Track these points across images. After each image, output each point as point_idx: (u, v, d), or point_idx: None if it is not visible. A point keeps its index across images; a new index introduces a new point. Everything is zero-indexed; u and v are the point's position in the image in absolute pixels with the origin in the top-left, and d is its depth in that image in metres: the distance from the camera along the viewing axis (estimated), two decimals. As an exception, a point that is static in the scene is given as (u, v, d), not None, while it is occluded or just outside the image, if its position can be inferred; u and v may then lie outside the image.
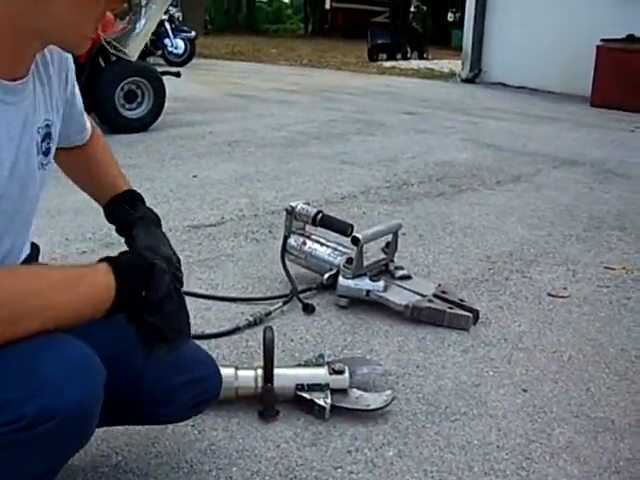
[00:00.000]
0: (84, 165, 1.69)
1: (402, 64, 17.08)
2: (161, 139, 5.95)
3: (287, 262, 2.99)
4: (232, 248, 3.45)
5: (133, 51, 1.28)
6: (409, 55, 19.36)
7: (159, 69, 6.67)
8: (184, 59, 13.95)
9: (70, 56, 1.44)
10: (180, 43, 13.94)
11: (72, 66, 1.48)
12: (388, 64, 16.98)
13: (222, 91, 9.99)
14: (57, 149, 1.52)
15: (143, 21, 1.26)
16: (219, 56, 17.84)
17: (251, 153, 5.65)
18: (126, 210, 1.59)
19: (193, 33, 14.51)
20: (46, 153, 1.38)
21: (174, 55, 13.87)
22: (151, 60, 7.60)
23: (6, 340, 1.08)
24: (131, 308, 1.24)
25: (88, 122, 1.66)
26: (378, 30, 20.30)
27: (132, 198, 1.64)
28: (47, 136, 1.37)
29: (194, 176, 4.72)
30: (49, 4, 1.13)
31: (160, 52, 13.46)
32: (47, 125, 1.36)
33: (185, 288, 2.63)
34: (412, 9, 37.76)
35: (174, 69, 7.63)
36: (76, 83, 1.53)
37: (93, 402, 1.14)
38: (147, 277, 1.25)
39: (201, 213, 3.97)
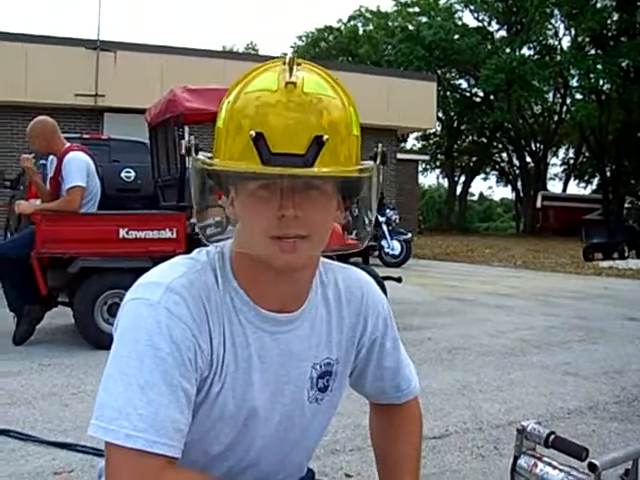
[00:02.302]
0: (384, 429, 1.63)
1: (619, 264, 16.61)
2: (381, 343, 6.09)
3: (517, 484, 2.92)
4: (457, 463, 3.43)
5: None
6: (626, 254, 18.81)
7: (378, 271, 6.97)
8: (400, 260, 14.40)
9: (381, 303, 1.52)
10: (396, 245, 14.47)
11: (384, 315, 1.52)
12: (605, 264, 16.58)
13: (438, 294, 10.22)
14: (375, 404, 1.62)
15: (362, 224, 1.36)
16: (433, 257, 18.29)
17: (471, 361, 5.67)
18: None
19: (409, 235, 15.06)
20: (323, 389, 1.43)
21: (390, 256, 14.38)
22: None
23: None
24: None
25: (408, 387, 1.59)
26: (593, 229, 20.09)
27: None
28: (327, 373, 1.43)
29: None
30: (240, 219, 1.28)
31: (377, 253, 14.04)
32: (328, 363, 1.43)
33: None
34: (626, 205, 37.18)
35: (395, 274, 7.91)
36: (395, 341, 1.56)
37: None
38: None
39: (425, 424, 3.95)
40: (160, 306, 1.22)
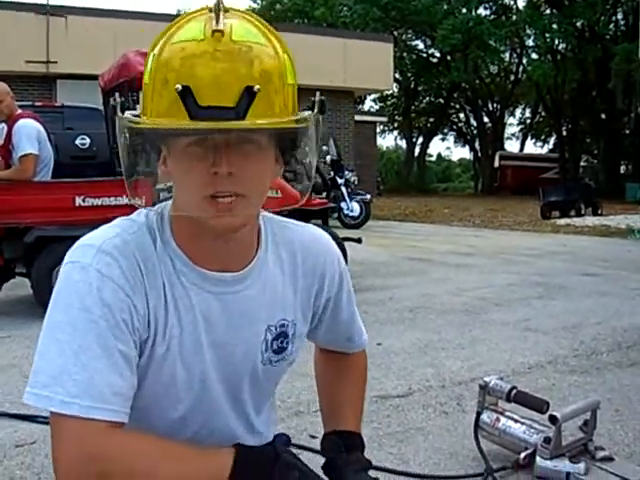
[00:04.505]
0: (330, 372, 1.64)
1: (576, 221, 16.86)
2: (344, 305, 6.10)
3: (480, 438, 2.96)
4: (421, 421, 3.47)
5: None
6: (583, 211, 19.07)
7: (339, 234, 6.97)
8: (359, 221, 14.45)
9: (337, 260, 1.48)
10: (356, 206, 14.51)
11: (339, 272, 1.49)
12: (562, 222, 16.80)
13: (399, 254, 10.26)
14: (322, 348, 1.62)
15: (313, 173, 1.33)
16: (392, 217, 18.37)
17: (432, 320, 5.72)
18: (338, 448, 1.48)
19: (368, 196, 15.11)
20: (278, 351, 1.41)
21: (350, 218, 14.42)
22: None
23: None
24: None
25: (360, 338, 1.61)
26: (550, 187, 20.30)
27: (351, 441, 1.50)
28: (282, 335, 1.41)
29: (378, 344, 4.81)
30: (174, 178, 1.23)
31: (336, 215, 14.05)
32: (282, 325, 1.40)
33: (376, 463, 2.70)
34: (582, 163, 37.61)
35: (355, 235, 7.92)
36: (350, 295, 1.54)
37: None
38: (270, 467, 1.19)
39: (388, 383, 4.03)
40: (91, 268, 1.20)
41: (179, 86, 1.10)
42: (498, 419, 2.95)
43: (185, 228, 1.28)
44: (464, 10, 35.88)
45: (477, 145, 45.97)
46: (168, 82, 1.13)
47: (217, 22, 1.12)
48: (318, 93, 1.22)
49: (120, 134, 1.19)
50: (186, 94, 1.10)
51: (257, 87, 1.12)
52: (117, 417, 1.16)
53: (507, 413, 2.97)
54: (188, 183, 1.19)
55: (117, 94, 1.20)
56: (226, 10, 1.16)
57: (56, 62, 15.71)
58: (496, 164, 39.01)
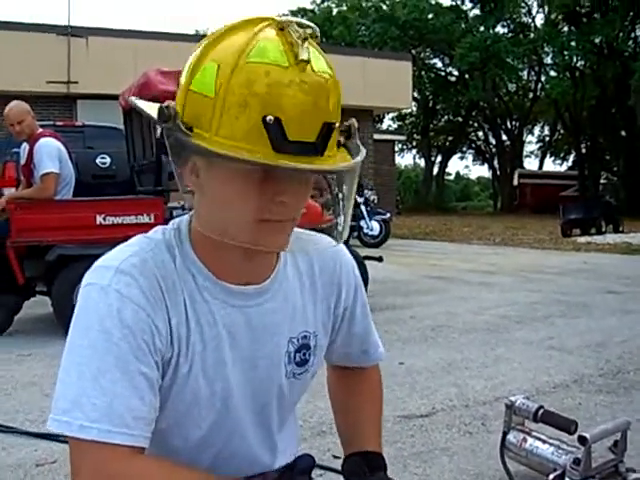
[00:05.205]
0: (345, 390, 1.60)
1: (597, 239, 16.73)
2: (364, 323, 6.06)
3: (506, 459, 2.91)
4: (445, 441, 3.42)
5: (338, 240, 1.32)
6: (604, 229, 18.92)
7: (360, 253, 6.95)
8: (379, 240, 14.42)
9: (352, 270, 1.45)
10: (375, 225, 14.49)
11: (354, 283, 1.46)
12: (583, 239, 16.69)
13: (420, 272, 10.22)
14: (334, 366, 1.58)
15: (342, 216, 1.28)
16: (412, 236, 18.34)
17: (455, 339, 5.67)
18: (362, 470, 1.42)
19: (388, 215, 15.08)
20: (300, 364, 1.38)
21: (370, 237, 14.40)
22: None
23: None
24: None
25: (375, 351, 1.56)
26: (570, 205, 20.19)
27: (374, 462, 1.44)
28: (304, 347, 1.38)
29: (401, 363, 4.77)
30: (212, 196, 1.18)
31: (356, 234, 14.03)
32: (305, 336, 1.38)
33: (402, 483, 2.65)
34: (602, 180, 37.42)
35: (376, 254, 7.90)
36: (364, 306, 1.49)
37: None
38: None
39: (411, 403, 3.98)
40: (111, 289, 1.16)
41: (271, 118, 1.05)
42: (525, 439, 2.90)
43: (208, 244, 1.25)
44: (482, 28, 35.95)
45: (496, 163, 45.83)
46: (250, 107, 1.06)
47: (303, 50, 1.08)
48: (354, 119, 1.20)
49: (173, 145, 1.14)
50: (274, 126, 1.05)
51: (336, 124, 1.11)
52: (137, 442, 1.13)
53: (534, 433, 2.91)
54: (239, 206, 1.15)
55: (170, 101, 1.14)
56: (305, 38, 1.10)
57: (77, 82, 15.86)
58: (515, 182, 38.88)
